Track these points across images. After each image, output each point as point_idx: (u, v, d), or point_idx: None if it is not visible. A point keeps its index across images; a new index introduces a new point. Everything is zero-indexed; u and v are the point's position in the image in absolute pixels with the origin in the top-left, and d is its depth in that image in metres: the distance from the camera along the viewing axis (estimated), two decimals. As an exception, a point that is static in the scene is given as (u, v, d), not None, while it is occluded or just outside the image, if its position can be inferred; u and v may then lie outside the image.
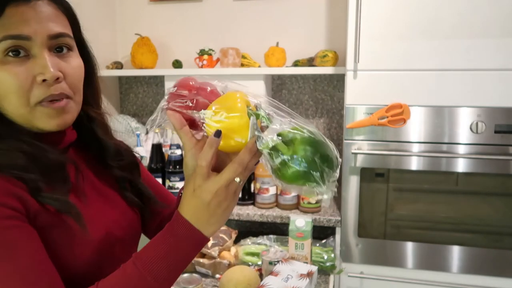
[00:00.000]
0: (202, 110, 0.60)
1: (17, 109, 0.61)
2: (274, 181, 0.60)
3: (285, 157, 0.56)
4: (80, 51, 0.70)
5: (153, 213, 0.85)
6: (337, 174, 0.59)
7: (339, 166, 0.59)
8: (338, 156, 0.59)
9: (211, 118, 0.58)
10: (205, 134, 0.61)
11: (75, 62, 0.66)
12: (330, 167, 0.57)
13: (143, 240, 0.80)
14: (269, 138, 0.57)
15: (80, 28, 0.71)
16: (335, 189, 0.58)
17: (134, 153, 0.84)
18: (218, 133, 0.57)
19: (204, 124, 0.59)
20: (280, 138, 0.57)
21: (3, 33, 0.58)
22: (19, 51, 0.60)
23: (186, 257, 0.61)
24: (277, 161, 0.57)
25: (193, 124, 0.62)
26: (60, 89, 0.62)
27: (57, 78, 0.61)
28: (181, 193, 0.79)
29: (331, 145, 0.58)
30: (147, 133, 2.16)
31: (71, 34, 0.66)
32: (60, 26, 0.63)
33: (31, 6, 0.61)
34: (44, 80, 0.60)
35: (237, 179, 0.58)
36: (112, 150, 0.77)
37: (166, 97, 0.63)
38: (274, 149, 0.56)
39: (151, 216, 0.84)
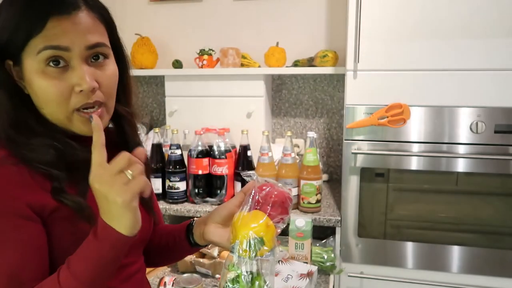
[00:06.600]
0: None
1: (56, 114, 0.68)
2: None
3: None
4: (115, 52, 0.74)
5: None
6: None
7: None
8: None
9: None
10: None
11: (110, 70, 0.71)
12: None
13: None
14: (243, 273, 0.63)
15: (116, 30, 0.77)
16: None
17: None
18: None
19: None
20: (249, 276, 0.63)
21: (44, 44, 0.63)
22: (59, 61, 0.65)
23: (107, 256, 0.61)
24: None
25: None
26: (95, 97, 0.68)
27: (93, 89, 0.67)
28: (192, 220, 0.90)
29: None
30: (147, 133, 2.16)
31: (107, 43, 0.71)
32: (97, 35, 0.68)
33: (71, 19, 0.65)
34: (81, 91, 0.66)
35: (128, 172, 0.60)
36: None
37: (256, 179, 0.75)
38: (235, 281, 0.62)
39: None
